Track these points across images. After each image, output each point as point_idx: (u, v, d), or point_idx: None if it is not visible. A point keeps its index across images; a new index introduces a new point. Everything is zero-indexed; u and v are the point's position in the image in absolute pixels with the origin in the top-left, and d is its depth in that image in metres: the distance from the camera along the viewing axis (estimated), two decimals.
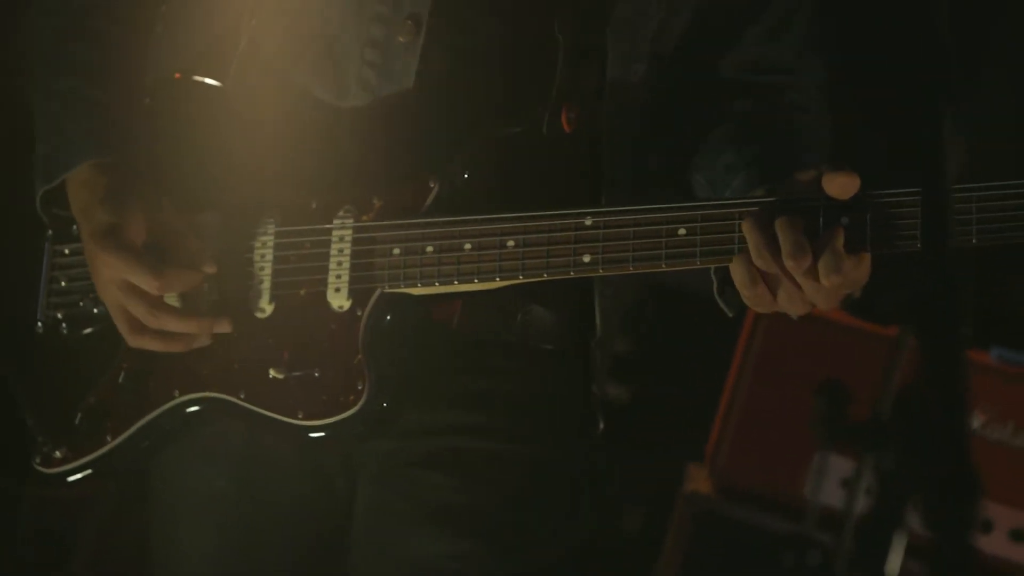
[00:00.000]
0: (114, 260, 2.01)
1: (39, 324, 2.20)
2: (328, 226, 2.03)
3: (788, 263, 1.76)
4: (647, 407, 4.47)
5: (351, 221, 2.01)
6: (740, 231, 1.81)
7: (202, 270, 2.05)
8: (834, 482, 3.97)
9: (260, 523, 2.14)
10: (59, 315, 2.19)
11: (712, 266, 1.88)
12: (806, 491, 3.97)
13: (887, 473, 1.21)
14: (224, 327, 2.05)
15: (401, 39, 2.07)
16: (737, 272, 1.82)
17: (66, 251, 2.19)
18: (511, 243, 1.91)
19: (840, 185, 1.78)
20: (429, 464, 2.06)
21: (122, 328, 2.06)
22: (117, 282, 2.02)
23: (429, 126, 2.06)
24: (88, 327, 2.17)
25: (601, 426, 2.18)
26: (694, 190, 2.11)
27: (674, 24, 2.09)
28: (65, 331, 2.19)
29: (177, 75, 2.21)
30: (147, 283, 2.01)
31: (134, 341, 2.05)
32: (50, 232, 2.22)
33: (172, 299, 2.07)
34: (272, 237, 2.06)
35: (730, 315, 2.00)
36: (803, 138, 2.10)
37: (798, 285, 1.78)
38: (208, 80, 2.21)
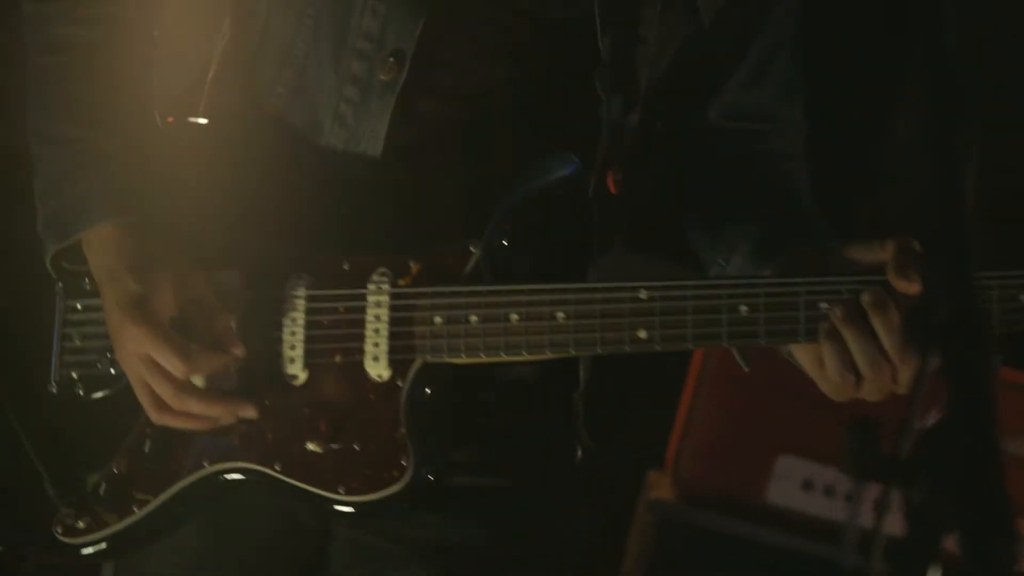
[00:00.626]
0: (141, 336, 2.00)
1: (53, 384, 2.18)
2: (363, 291, 2.03)
3: (900, 365, 1.82)
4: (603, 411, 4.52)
5: (387, 286, 2.02)
6: (806, 310, 1.85)
7: (231, 352, 2.04)
8: (795, 484, 4.08)
9: (226, 562, 2.16)
10: (74, 375, 2.17)
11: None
12: (769, 495, 4.07)
13: (918, 507, 1.27)
14: (249, 412, 2.05)
15: (382, 77, 2.09)
16: (828, 363, 1.86)
17: (78, 306, 2.17)
18: (561, 315, 1.93)
19: (905, 288, 1.84)
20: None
21: (145, 404, 2.05)
22: (142, 357, 2.01)
23: (463, 184, 2.08)
24: (105, 388, 2.16)
25: (579, 455, 2.22)
26: (692, 245, 2.15)
27: (660, 66, 2.13)
28: (81, 392, 2.17)
29: (169, 119, 2.19)
30: (174, 365, 2.00)
31: (157, 419, 2.05)
32: (60, 286, 2.18)
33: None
34: (303, 300, 2.06)
35: (746, 370, 2.05)
36: (797, 191, 2.16)
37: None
38: (200, 120, 2.21)
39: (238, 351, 2.04)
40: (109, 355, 2.13)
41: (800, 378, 2.00)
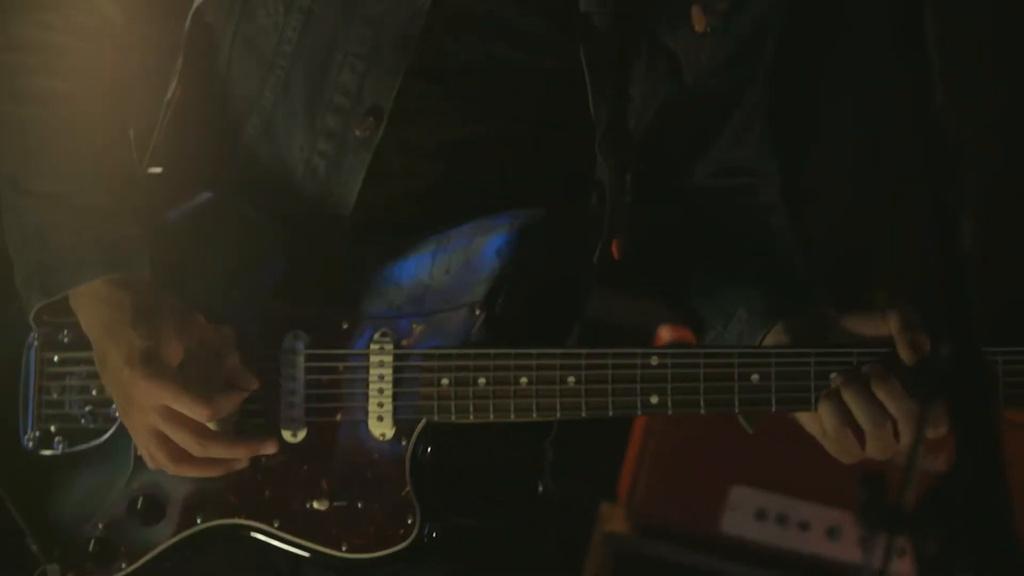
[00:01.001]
0: (156, 389, 2.02)
1: (28, 439, 2.20)
2: (364, 351, 2.08)
3: (904, 424, 1.93)
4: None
5: (390, 346, 2.07)
6: (816, 379, 1.95)
7: (247, 387, 2.08)
8: (748, 514, 4.18)
9: None
10: (52, 429, 2.19)
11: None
12: (723, 526, 4.17)
13: (932, 557, 1.33)
14: (270, 448, 2.09)
15: (358, 133, 2.13)
16: (826, 421, 1.96)
17: (55, 359, 2.19)
18: (571, 379, 2.00)
19: (912, 359, 1.95)
20: None
21: (160, 457, 2.07)
22: (158, 410, 2.03)
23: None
24: (87, 442, 2.18)
25: (540, 488, 2.29)
26: (690, 306, 2.24)
27: (645, 126, 2.21)
28: (61, 447, 2.19)
29: None
30: (197, 412, 2.02)
31: (175, 470, 2.08)
32: (35, 337, 2.19)
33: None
34: (302, 358, 2.10)
35: (750, 431, 2.13)
36: (787, 247, 2.25)
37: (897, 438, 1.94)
38: (155, 170, 2.24)
39: (253, 384, 2.08)
40: (89, 408, 2.17)
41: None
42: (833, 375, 1.96)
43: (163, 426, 2.04)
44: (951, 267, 1.37)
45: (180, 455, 2.06)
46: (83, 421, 2.17)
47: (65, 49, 2.15)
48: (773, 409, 1.96)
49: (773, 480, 4.13)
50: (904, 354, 1.94)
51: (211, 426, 2.07)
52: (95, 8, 2.17)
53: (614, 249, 2.14)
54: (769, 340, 2.10)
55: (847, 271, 4.74)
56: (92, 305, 2.10)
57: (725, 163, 2.28)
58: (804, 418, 2.02)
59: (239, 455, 2.08)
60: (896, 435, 1.94)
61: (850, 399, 1.94)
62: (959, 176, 1.37)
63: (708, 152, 2.27)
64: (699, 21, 2.17)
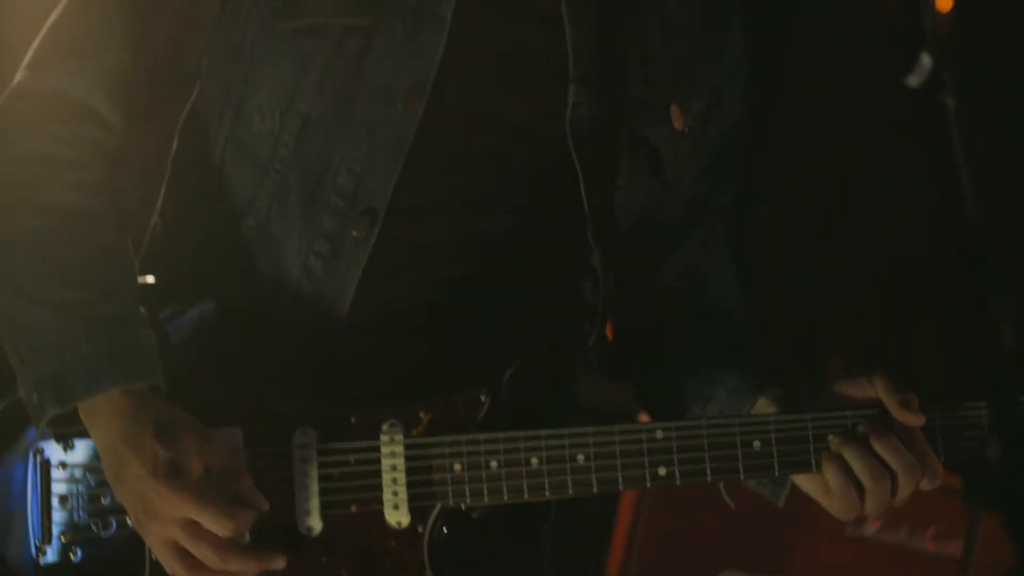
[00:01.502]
0: (180, 501, 2.11)
1: (38, 551, 2.26)
2: (375, 442, 2.21)
3: (903, 477, 2.11)
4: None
5: (400, 436, 2.20)
6: (815, 442, 2.13)
7: (259, 508, 2.17)
8: None
9: None
10: (63, 540, 2.26)
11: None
12: None
13: None
14: (280, 563, 2.18)
15: (354, 234, 2.26)
16: (832, 481, 2.14)
17: (61, 468, 2.27)
18: (581, 457, 2.15)
19: (914, 422, 2.13)
20: None
21: (176, 567, 2.16)
22: (179, 522, 2.12)
23: (436, 337, 2.25)
24: (99, 549, 2.26)
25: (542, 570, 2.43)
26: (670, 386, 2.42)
27: (629, 219, 2.38)
28: (75, 558, 2.26)
29: None
30: (222, 526, 2.12)
31: None
32: (42, 448, 2.27)
33: None
34: (313, 453, 2.22)
35: (732, 507, 2.28)
36: (741, 339, 2.42)
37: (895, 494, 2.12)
38: (148, 279, 2.36)
39: (265, 506, 2.18)
40: (98, 517, 2.25)
41: (739, 491, 2.26)
42: (831, 436, 2.13)
43: (182, 538, 2.14)
44: (996, 370, 1.48)
45: (196, 567, 2.15)
46: (94, 528, 2.26)
47: (73, 162, 2.26)
48: (776, 473, 2.13)
49: (762, 563, 4.26)
50: (895, 412, 2.13)
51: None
52: (98, 118, 2.29)
53: (608, 331, 2.30)
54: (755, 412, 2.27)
55: (799, 342, 4.91)
56: (109, 416, 2.18)
57: (688, 263, 2.46)
58: (802, 480, 2.20)
59: (253, 569, 2.17)
60: (894, 490, 2.11)
61: (851, 456, 2.12)
62: (998, 281, 1.47)
63: (678, 252, 2.45)
64: (678, 119, 2.35)
